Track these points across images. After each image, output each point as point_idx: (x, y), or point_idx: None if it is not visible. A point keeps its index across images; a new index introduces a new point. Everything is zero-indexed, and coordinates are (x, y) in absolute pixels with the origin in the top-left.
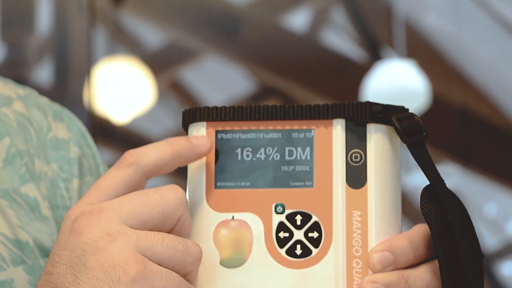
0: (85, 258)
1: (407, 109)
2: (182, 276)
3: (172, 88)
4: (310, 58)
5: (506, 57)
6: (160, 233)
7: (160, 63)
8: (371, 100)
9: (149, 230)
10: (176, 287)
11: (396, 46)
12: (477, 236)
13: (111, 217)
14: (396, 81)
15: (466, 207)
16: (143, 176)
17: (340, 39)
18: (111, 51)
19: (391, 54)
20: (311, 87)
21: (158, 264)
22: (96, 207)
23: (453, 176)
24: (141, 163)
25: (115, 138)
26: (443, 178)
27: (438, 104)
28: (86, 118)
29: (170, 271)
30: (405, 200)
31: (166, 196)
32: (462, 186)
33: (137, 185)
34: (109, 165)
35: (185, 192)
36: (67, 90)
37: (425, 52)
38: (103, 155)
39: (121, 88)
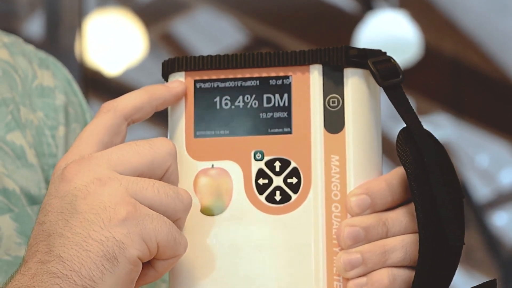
0: (76, 203)
1: (385, 53)
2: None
3: (163, 40)
4: (302, 8)
5: (498, 6)
6: (151, 179)
7: (152, 14)
8: None
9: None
10: (167, 231)
11: None
12: (457, 177)
13: (101, 163)
14: (388, 32)
15: (458, 157)
16: (122, 119)
17: None
18: (102, 3)
19: (383, 4)
20: (303, 38)
21: (149, 208)
22: (85, 155)
23: (445, 126)
24: (118, 107)
25: (106, 90)
26: (434, 127)
27: (430, 54)
28: (77, 70)
29: (161, 215)
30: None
31: (156, 146)
32: (454, 136)
33: (118, 129)
34: None
35: None
36: (58, 42)
37: (417, 2)
38: (95, 107)
39: (113, 40)
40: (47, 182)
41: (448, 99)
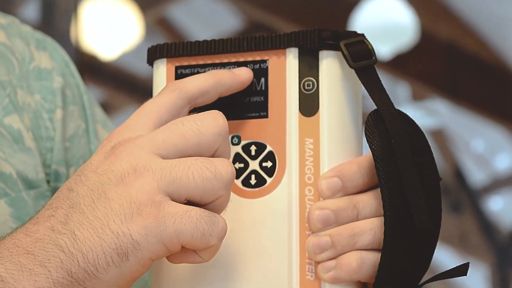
0: (107, 187)
1: (360, 34)
2: (213, 201)
3: (159, 24)
4: None
5: None
6: (188, 160)
7: None
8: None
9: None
10: (193, 228)
11: None
12: (434, 160)
13: (144, 146)
14: (384, 16)
15: (454, 142)
16: (186, 102)
17: None
18: None
19: None
20: (299, 23)
21: (186, 196)
22: (133, 136)
23: (441, 111)
24: (184, 88)
25: (102, 74)
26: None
27: (426, 39)
28: (73, 55)
29: (189, 210)
30: None
31: (204, 127)
32: (449, 121)
33: (180, 111)
34: (97, 102)
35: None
36: (53, 26)
37: None
38: (90, 91)
39: (108, 24)
40: (44, 165)
41: (443, 84)
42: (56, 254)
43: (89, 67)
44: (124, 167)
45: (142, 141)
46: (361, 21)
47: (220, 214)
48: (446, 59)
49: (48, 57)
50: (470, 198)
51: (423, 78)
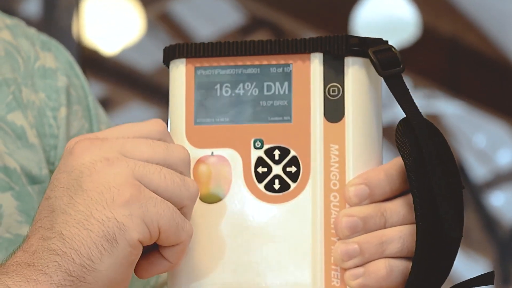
0: (81, 179)
1: (386, 41)
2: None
3: (161, 20)
4: None
5: None
6: (158, 165)
7: None
8: (361, 31)
9: None
10: (170, 216)
11: None
12: (457, 168)
13: (113, 147)
14: (386, 12)
15: (456, 137)
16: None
17: None
18: None
19: None
20: (301, 18)
21: (154, 193)
22: (100, 135)
23: (443, 106)
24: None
25: (104, 70)
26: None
27: (427, 34)
28: (75, 50)
29: (165, 200)
30: None
31: (171, 149)
32: (451, 116)
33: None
34: (98, 97)
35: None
36: (55, 22)
37: None
38: (92, 87)
39: (110, 19)
40: (48, 162)
41: (445, 79)
42: (52, 259)
43: (91, 62)
44: (94, 158)
45: (111, 143)
46: (363, 17)
47: (242, 218)
48: (448, 54)
49: (53, 57)
50: (471, 193)
51: (425, 73)
